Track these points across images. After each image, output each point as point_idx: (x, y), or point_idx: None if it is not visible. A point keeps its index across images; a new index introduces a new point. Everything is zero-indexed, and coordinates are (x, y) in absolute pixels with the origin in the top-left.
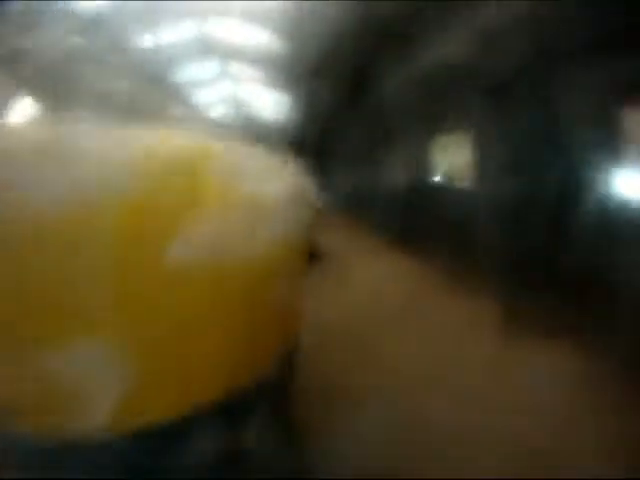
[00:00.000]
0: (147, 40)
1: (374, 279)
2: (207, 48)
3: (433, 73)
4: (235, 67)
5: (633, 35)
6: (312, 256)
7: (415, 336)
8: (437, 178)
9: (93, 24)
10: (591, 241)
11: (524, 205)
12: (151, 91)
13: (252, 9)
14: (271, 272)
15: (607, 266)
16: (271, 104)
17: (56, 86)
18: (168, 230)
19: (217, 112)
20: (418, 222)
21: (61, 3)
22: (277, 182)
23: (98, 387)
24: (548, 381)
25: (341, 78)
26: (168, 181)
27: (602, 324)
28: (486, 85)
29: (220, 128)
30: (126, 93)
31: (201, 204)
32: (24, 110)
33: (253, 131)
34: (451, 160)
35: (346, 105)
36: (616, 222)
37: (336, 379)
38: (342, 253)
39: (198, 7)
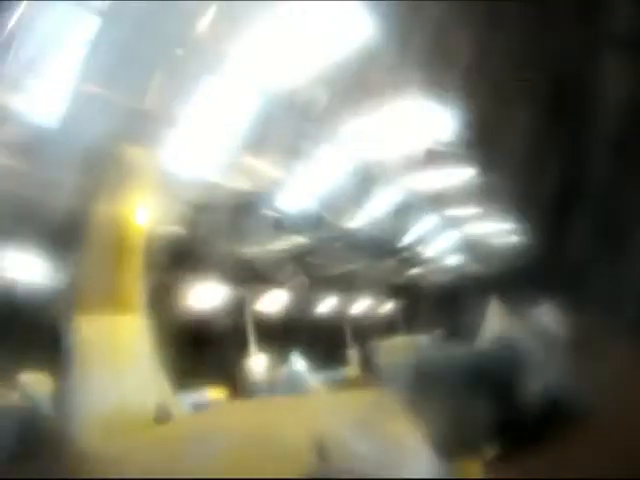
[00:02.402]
0: (365, 216)
1: None
2: (422, 204)
3: None
4: (454, 211)
5: None
6: None
7: None
8: None
9: (309, 219)
10: None
11: None
12: (385, 262)
13: (441, 150)
14: None
15: None
16: (501, 238)
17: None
18: None
19: (454, 261)
20: None
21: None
22: None
23: None
24: None
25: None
26: None
27: None
28: None
29: (461, 275)
30: (362, 271)
31: None
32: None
33: (493, 274)
34: None
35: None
36: None
37: None
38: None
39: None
